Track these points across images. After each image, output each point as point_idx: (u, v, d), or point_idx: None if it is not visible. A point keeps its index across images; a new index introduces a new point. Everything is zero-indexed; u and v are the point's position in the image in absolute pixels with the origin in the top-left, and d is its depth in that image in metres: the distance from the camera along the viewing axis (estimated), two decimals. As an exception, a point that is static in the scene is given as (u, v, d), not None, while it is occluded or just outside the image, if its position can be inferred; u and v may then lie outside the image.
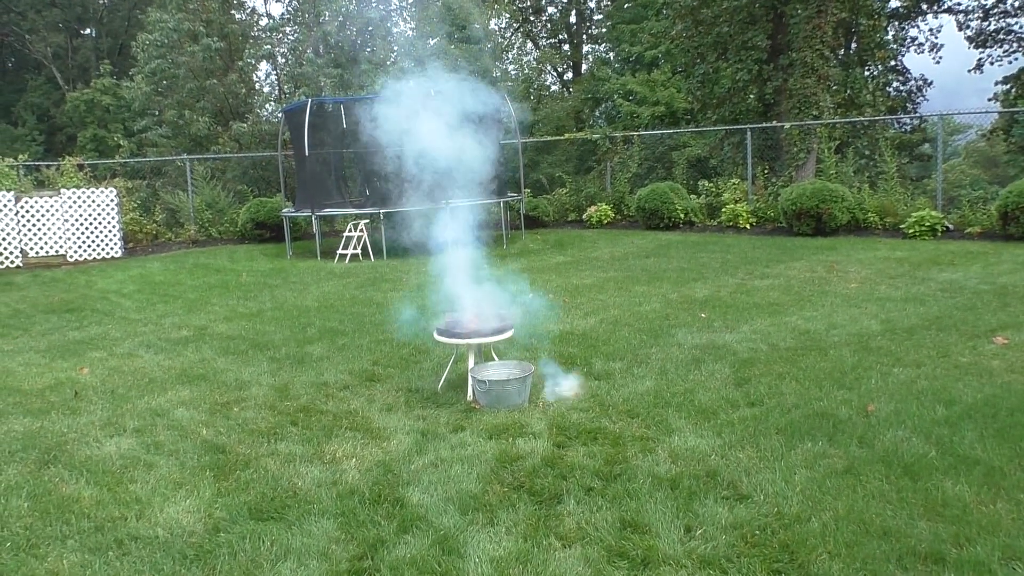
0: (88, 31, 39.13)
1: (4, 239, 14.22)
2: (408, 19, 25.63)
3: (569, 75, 34.52)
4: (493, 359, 5.70)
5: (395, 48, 23.28)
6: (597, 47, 34.28)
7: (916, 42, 25.51)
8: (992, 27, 24.56)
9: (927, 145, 26.53)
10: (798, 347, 6.33)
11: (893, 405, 4.85)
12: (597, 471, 4.07)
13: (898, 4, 24.58)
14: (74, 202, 14.80)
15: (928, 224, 12.51)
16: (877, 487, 3.75)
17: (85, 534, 3.67)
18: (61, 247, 14.74)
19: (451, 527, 3.55)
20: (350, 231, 13.96)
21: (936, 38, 25.13)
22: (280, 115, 18.66)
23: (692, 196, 16.39)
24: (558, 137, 21.79)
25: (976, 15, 24.70)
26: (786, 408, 4.90)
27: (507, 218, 15.39)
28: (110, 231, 15.12)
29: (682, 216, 15.57)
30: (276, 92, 24.65)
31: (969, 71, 25.30)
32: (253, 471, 4.29)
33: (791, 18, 16.05)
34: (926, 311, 7.40)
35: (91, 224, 14.94)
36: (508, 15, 31.42)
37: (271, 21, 24.13)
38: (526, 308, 6.35)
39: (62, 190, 14.92)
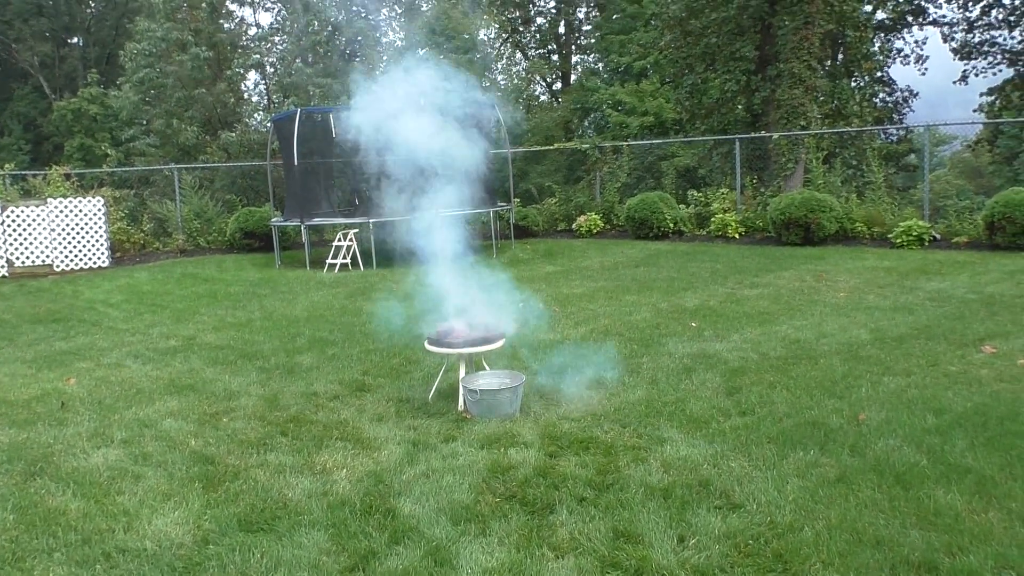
0: (75, 40, 38.96)
1: (-10, 249, 14.10)
2: (397, 29, 25.69)
3: (558, 85, 34.63)
4: (484, 368, 5.68)
5: (384, 58, 23.31)
6: (586, 58, 34.41)
7: (902, 54, 25.79)
8: (977, 39, 24.85)
9: (913, 156, 26.75)
10: (788, 356, 6.34)
11: (884, 414, 4.86)
12: (589, 481, 4.06)
13: (884, 16, 24.84)
14: (61, 212, 14.70)
15: (915, 234, 12.59)
16: (869, 496, 3.75)
17: (72, 547, 3.62)
18: (47, 257, 14.63)
19: (443, 538, 3.52)
20: (339, 240, 13.92)
21: (922, 50, 25.42)
22: (269, 124, 18.62)
23: (681, 206, 16.43)
24: (547, 147, 21.83)
25: (961, 27, 25.01)
26: (777, 417, 4.90)
27: (497, 228, 15.39)
28: (97, 241, 15.02)
29: (671, 226, 15.61)
30: (265, 101, 24.63)
31: (954, 83, 25.63)
32: (243, 482, 4.25)
33: (779, 29, 16.18)
34: (915, 320, 7.44)
35: (78, 234, 14.83)
36: (497, 26, 31.50)
37: (260, 31, 24.12)
38: (516, 318, 6.34)
39: (49, 199, 14.81)
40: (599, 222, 17.07)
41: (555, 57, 34.50)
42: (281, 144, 15.44)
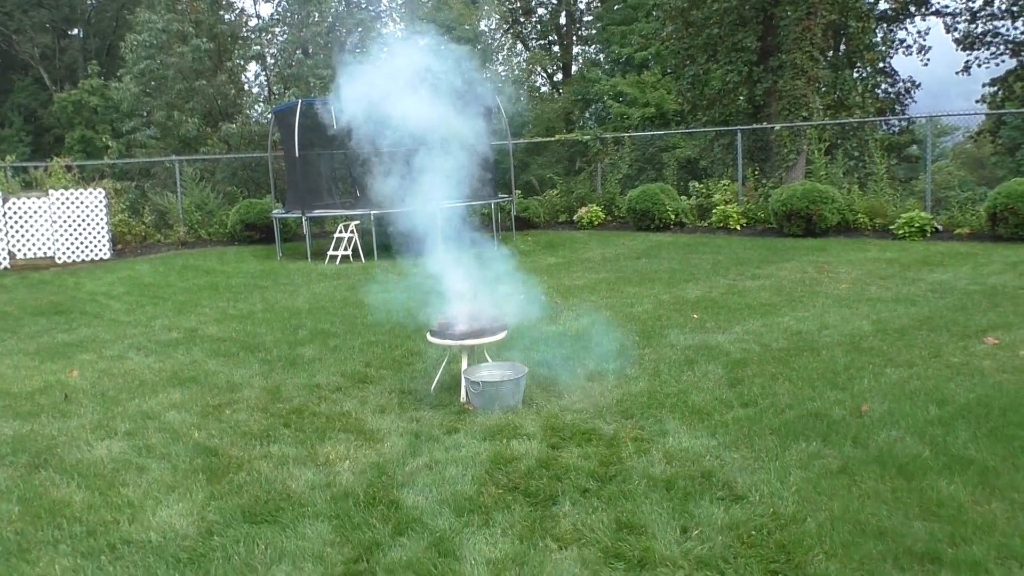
0: (76, 32, 38.89)
1: (-9, 241, 14.11)
2: (398, 19, 25.61)
3: (559, 76, 34.54)
4: (486, 360, 5.69)
5: (385, 48, 23.22)
6: (587, 48, 34.33)
7: (904, 44, 25.64)
8: (979, 30, 24.74)
9: (915, 147, 26.70)
10: (790, 348, 6.34)
11: (886, 405, 4.87)
12: (592, 472, 4.07)
13: (887, 6, 24.72)
14: (62, 203, 14.69)
15: (917, 225, 12.57)
16: (872, 487, 3.76)
17: (77, 538, 3.63)
18: (49, 249, 14.63)
19: (446, 529, 3.53)
20: (340, 232, 13.91)
21: (924, 40, 25.25)
22: (270, 116, 18.58)
23: (683, 197, 16.42)
24: (548, 138, 21.78)
25: (963, 18, 24.89)
26: (780, 408, 4.91)
27: (498, 219, 15.37)
28: (98, 233, 15.02)
29: (673, 217, 15.60)
30: (266, 93, 24.57)
31: (956, 73, 25.52)
32: (246, 474, 4.26)
33: (781, 20, 16.11)
34: (917, 312, 7.43)
35: (79, 226, 14.83)
36: (498, 16, 31.40)
37: (260, 22, 24.03)
38: (518, 309, 6.34)
39: (50, 191, 14.81)
40: (600, 214, 17.05)
41: (556, 48, 34.41)
42: (282, 135, 15.41)
